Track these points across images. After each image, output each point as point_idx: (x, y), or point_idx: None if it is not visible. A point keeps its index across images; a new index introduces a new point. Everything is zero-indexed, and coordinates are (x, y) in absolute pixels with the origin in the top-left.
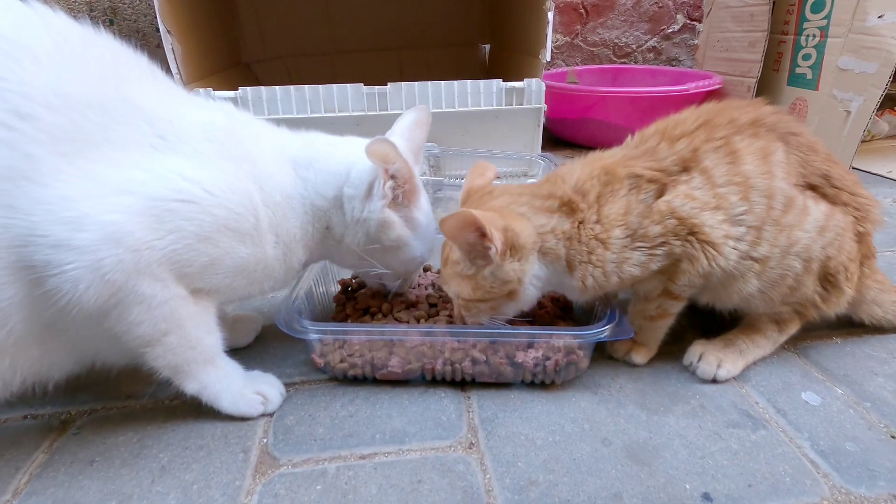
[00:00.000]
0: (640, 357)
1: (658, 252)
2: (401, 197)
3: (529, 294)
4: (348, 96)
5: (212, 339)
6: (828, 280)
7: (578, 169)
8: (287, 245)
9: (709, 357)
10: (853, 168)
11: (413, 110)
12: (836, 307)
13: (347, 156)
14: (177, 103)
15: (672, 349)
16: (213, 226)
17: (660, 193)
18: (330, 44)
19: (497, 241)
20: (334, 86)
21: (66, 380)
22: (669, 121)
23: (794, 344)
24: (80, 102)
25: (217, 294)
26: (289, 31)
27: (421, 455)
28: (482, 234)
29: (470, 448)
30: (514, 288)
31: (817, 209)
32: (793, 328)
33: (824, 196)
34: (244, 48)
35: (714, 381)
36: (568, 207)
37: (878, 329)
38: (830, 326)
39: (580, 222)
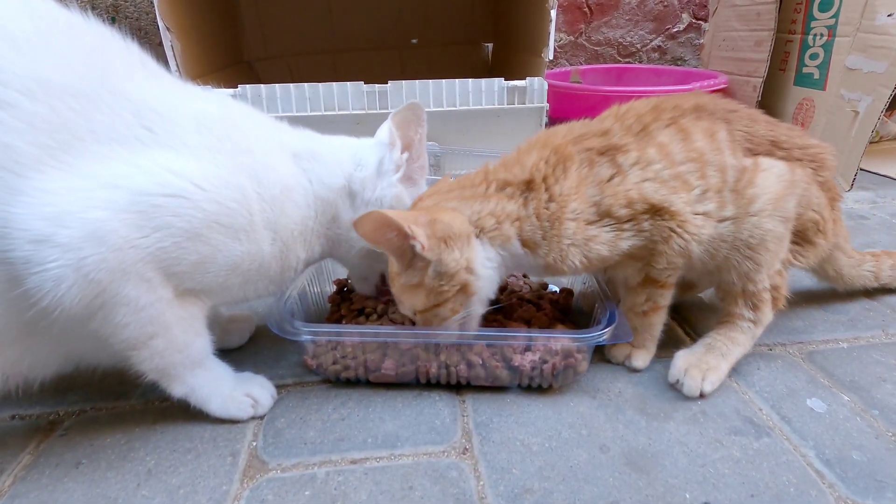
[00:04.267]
0: (639, 360)
1: (626, 228)
2: (414, 174)
3: (487, 279)
4: (348, 94)
5: (200, 342)
6: (799, 235)
7: (535, 151)
8: (285, 242)
9: (693, 372)
10: (861, 169)
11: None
12: (812, 260)
13: (350, 146)
14: (168, 93)
15: (672, 353)
16: (203, 222)
17: (613, 165)
18: (331, 42)
19: (420, 236)
20: (334, 84)
21: (55, 379)
22: (623, 106)
23: (800, 349)
24: (61, 90)
25: (209, 295)
26: (290, 30)
27: (413, 460)
28: (403, 234)
29: (464, 453)
30: (465, 279)
31: (778, 166)
32: (767, 317)
33: (776, 156)
34: (245, 46)
35: (701, 396)
36: (514, 188)
37: (886, 334)
38: (837, 330)
39: (536, 202)
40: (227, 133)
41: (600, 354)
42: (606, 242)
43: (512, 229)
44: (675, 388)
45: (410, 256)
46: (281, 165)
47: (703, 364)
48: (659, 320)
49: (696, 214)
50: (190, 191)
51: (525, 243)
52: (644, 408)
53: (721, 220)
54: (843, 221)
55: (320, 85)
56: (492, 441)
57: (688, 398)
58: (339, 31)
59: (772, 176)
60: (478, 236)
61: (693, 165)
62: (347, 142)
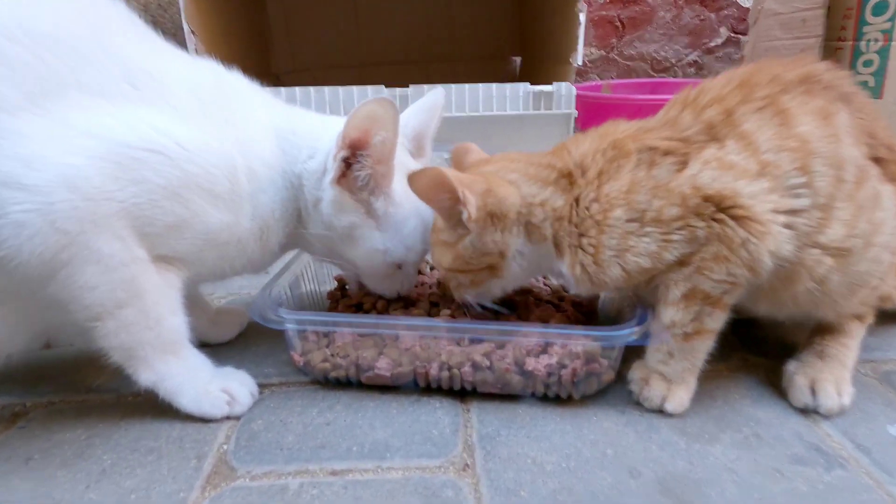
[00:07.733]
0: (676, 402)
1: (674, 238)
2: (369, 181)
3: (513, 272)
4: (369, 98)
5: (175, 321)
6: None
7: (587, 141)
8: (265, 220)
9: (825, 386)
10: None
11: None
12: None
13: (321, 130)
14: (159, 55)
15: (719, 367)
16: (182, 182)
17: (682, 167)
18: (358, 56)
19: (470, 206)
20: (354, 88)
21: (28, 369)
22: (694, 89)
23: (874, 367)
24: (48, 38)
25: (184, 264)
26: (318, 43)
27: (403, 475)
28: (456, 199)
29: (464, 470)
30: (494, 262)
31: (885, 186)
32: (870, 319)
33: (887, 170)
34: (274, 59)
35: (840, 410)
36: (566, 181)
37: None
38: None
39: (575, 199)
40: (217, 101)
41: (629, 361)
42: (648, 254)
43: (550, 230)
44: (803, 413)
45: (456, 219)
46: (263, 140)
47: (828, 375)
48: (704, 347)
49: (784, 229)
50: (171, 148)
51: (557, 247)
52: (683, 427)
53: (812, 247)
54: None
55: (340, 88)
56: (498, 457)
57: (738, 417)
58: (366, 45)
59: (888, 198)
60: (523, 225)
61: (788, 155)
62: (324, 126)
